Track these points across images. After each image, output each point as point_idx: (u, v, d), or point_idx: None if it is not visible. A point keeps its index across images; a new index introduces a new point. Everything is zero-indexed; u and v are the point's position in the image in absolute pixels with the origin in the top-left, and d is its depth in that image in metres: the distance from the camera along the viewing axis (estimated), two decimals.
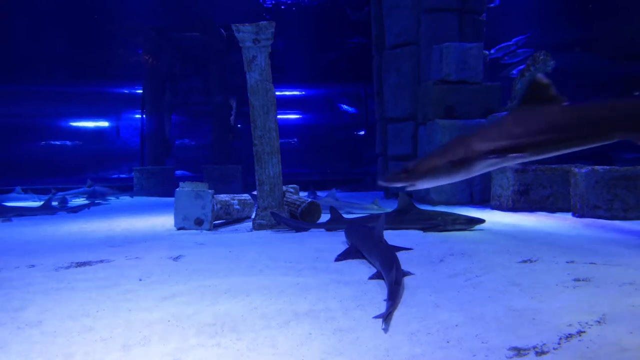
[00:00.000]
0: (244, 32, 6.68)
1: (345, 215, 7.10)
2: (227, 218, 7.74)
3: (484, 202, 9.70)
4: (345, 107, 25.80)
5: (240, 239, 6.16)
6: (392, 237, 5.32)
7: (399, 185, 2.53)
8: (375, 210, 8.97)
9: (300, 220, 7.03)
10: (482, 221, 6.38)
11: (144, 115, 19.36)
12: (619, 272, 3.81)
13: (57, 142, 22.97)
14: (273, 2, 21.24)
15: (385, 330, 2.73)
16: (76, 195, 13.43)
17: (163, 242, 5.92)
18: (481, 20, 11.82)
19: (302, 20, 21.29)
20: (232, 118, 19.80)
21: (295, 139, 25.08)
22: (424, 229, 6.24)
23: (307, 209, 7.20)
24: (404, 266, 3.87)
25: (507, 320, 2.83)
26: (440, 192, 9.90)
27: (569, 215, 7.78)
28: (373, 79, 13.41)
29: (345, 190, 15.32)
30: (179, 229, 7.02)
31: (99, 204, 11.38)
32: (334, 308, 3.13)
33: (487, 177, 9.45)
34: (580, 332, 2.61)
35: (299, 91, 25.23)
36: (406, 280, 3.69)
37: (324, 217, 7.12)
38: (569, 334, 2.59)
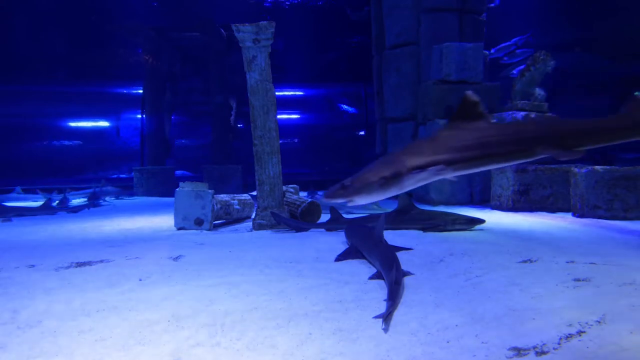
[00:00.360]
0: (244, 32, 6.68)
1: (345, 215, 7.10)
2: (227, 218, 7.74)
3: (484, 202, 9.70)
4: (345, 107, 25.80)
5: (240, 238, 6.15)
6: (392, 237, 5.33)
7: (338, 201, 2.62)
8: (375, 210, 8.96)
9: (300, 220, 7.03)
10: (482, 221, 6.38)
11: (144, 115, 19.36)
12: (619, 272, 3.81)
13: (57, 142, 22.97)
14: (273, 2, 21.23)
15: (385, 330, 2.73)
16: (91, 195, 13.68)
17: (163, 242, 5.91)
18: (481, 20, 11.82)
19: (302, 20, 21.28)
20: (232, 118, 19.81)
21: (295, 139, 25.07)
22: (424, 229, 6.24)
23: (307, 209, 7.20)
24: (404, 266, 3.87)
25: (507, 320, 2.83)
26: (440, 191, 9.90)
27: (569, 215, 7.78)
28: (373, 79, 13.41)
29: None
30: (179, 229, 7.02)
31: (99, 204, 11.37)
32: (334, 308, 3.13)
33: (487, 177, 9.45)
34: (580, 332, 2.61)
35: (299, 91, 25.22)
36: (406, 280, 3.69)
37: (324, 217, 7.12)
38: (569, 334, 2.59)
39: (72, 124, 23.41)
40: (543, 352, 2.39)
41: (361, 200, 2.54)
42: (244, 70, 6.85)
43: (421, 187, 2.74)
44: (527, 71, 9.40)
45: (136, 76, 20.07)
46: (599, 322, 2.74)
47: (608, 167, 7.49)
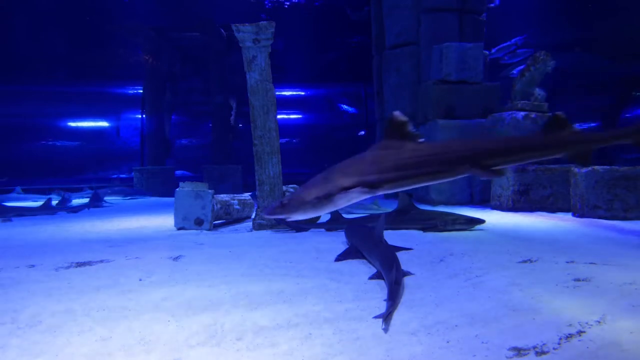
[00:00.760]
0: (244, 32, 6.68)
1: (345, 215, 7.10)
2: (227, 218, 7.74)
3: (484, 202, 9.70)
4: (345, 107, 25.79)
5: (240, 238, 6.15)
6: (392, 237, 5.32)
7: (277, 217, 2.79)
8: (375, 210, 8.96)
9: (300, 220, 7.01)
10: (482, 221, 6.38)
11: (144, 115, 19.37)
12: (619, 272, 3.81)
13: (57, 142, 22.96)
14: (273, 2, 21.23)
15: (385, 330, 2.73)
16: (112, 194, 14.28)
17: (163, 242, 5.91)
18: (481, 20, 11.83)
19: (302, 20, 21.28)
20: (232, 118, 19.81)
21: (295, 139, 25.06)
22: (424, 229, 6.24)
23: None
24: (404, 266, 3.87)
25: (507, 320, 2.83)
26: (440, 191, 9.91)
27: (569, 215, 7.78)
28: (373, 79, 13.42)
29: None
30: (179, 229, 7.02)
31: (100, 205, 11.37)
32: (334, 308, 3.13)
33: None
34: (580, 332, 2.61)
35: (299, 91, 25.22)
36: (406, 280, 3.69)
37: (324, 217, 7.11)
38: (569, 334, 2.59)
39: (72, 124, 23.40)
40: (543, 352, 2.39)
41: (297, 217, 2.72)
42: (244, 70, 6.85)
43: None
44: (527, 71, 9.40)
45: (136, 76, 20.08)
46: (599, 322, 2.74)
47: (608, 167, 7.49)
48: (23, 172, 20.09)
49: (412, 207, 6.55)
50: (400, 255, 4.17)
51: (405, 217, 6.43)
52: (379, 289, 3.54)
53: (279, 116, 7.04)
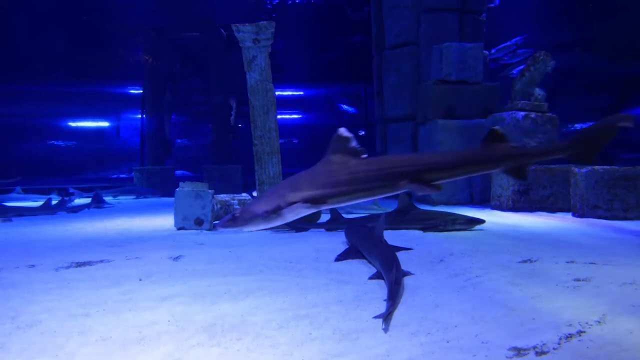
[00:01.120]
0: (244, 32, 6.68)
1: (345, 215, 7.10)
2: None
3: (484, 202, 9.70)
4: (345, 107, 25.79)
5: (240, 238, 6.15)
6: (392, 237, 5.32)
7: (231, 229, 2.91)
8: (375, 210, 8.96)
9: (300, 220, 7.01)
10: (482, 221, 6.38)
11: (144, 115, 19.36)
12: (619, 272, 3.81)
13: (57, 142, 22.96)
14: (273, 2, 21.23)
15: (385, 330, 2.73)
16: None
17: (163, 242, 5.91)
18: (481, 20, 11.83)
19: (302, 20, 21.28)
20: (232, 118, 19.80)
21: (295, 139, 25.06)
22: (424, 229, 6.24)
23: None
24: (404, 266, 3.87)
25: (507, 320, 2.83)
26: (440, 192, 9.90)
27: (569, 215, 7.78)
28: (373, 79, 13.42)
29: None
30: (179, 229, 7.02)
31: (100, 205, 11.36)
32: (334, 308, 3.13)
33: (487, 177, 9.45)
34: (580, 332, 2.61)
35: (299, 91, 25.22)
36: (406, 280, 3.69)
37: (324, 217, 7.12)
38: (569, 334, 2.59)
39: (72, 124, 23.40)
40: (543, 352, 2.39)
41: (248, 229, 2.81)
42: (244, 70, 6.85)
43: None
44: (527, 71, 9.40)
45: (136, 76, 20.08)
46: (599, 322, 2.74)
47: (608, 167, 7.49)
48: (23, 172, 20.08)
49: (412, 207, 6.55)
50: (400, 255, 4.17)
51: (405, 217, 6.43)
52: (379, 289, 3.54)
53: (279, 116, 7.04)
